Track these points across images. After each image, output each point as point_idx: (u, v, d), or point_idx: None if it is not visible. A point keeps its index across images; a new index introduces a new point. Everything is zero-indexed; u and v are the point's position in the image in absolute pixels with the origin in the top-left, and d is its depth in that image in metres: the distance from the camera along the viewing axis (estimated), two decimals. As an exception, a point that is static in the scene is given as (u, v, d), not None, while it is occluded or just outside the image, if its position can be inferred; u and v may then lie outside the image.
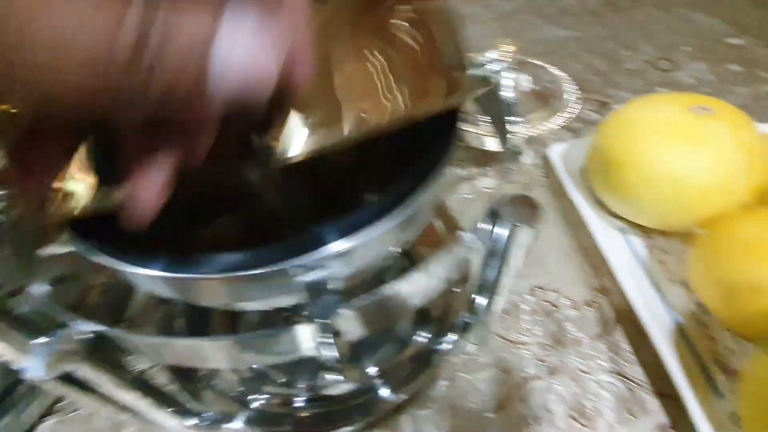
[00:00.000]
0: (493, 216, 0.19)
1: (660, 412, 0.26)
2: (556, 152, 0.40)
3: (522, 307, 0.31)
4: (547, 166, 0.42)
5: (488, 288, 0.25)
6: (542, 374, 0.28)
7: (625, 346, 0.29)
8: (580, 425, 0.25)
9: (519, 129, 0.37)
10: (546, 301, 0.32)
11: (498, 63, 0.24)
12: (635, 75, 0.54)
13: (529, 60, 0.44)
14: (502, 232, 0.20)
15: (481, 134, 0.40)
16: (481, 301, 0.26)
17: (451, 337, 0.26)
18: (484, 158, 0.44)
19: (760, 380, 0.21)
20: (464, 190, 0.41)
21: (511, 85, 0.23)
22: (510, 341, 0.30)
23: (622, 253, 0.33)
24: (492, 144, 0.41)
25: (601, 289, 0.32)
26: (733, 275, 0.25)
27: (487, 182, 0.42)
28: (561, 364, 0.28)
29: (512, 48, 0.38)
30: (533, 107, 0.37)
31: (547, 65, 0.43)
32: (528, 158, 0.42)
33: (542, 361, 0.28)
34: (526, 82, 0.38)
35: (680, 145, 0.29)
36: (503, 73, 0.24)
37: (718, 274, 0.26)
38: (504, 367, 0.28)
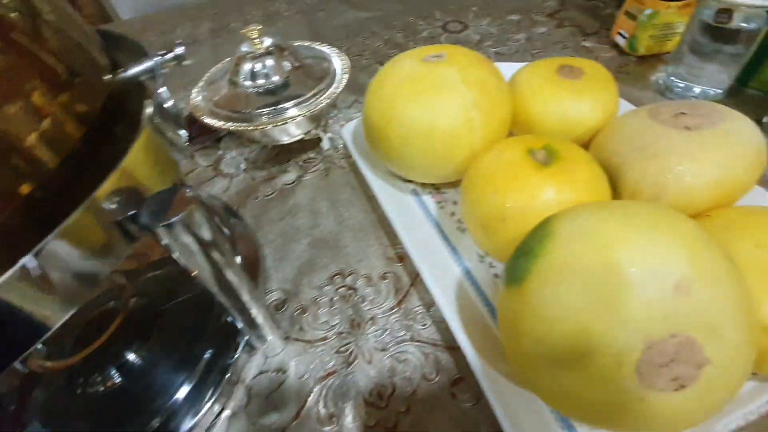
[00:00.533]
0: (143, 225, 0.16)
1: (453, 367, 0.25)
2: (348, 131, 0.39)
3: (321, 300, 0.29)
4: (345, 148, 0.40)
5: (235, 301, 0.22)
6: (338, 366, 0.26)
7: (419, 309, 0.28)
8: (377, 408, 0.24)
9: (294, 111, 0.36)
10: (344, 287, 0.30)
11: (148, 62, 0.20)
12: (430, 41, 0.56)
13: (299, 43, 0.42)
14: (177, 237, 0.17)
15: (276, 129, 0.37)
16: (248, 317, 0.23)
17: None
18: (286, 155, 0.41)
19: (503, 309, 0.21)
20: (265, 191, 0.38)
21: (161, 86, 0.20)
22: (307, 341, 0.27)
23: (414, 215, 0.33)
24: (291, 136, 0.38)
25: (397, 257, 0.31)
26: (483, 209, 0.26)
27: (287, 177, 0.39)
28: (357, 348, 0.26)
29: (256, 34, 0.36)
30: (304, 88, 0.35)
31: (315, 44, 0.41)
32: (326, 143, 0.41)
33: (340, 352, 0.26)
34: (288, 64, 0.36)
35: (416, 97, 0.28)
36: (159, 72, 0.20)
37: (475, 210, 0.26)
38: (300, 372, 0.26)
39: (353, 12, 0.66)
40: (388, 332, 0.27)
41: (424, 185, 0.35)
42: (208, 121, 0.35)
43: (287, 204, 0.36)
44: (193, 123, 0.39)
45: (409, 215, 0.33)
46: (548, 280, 0.18)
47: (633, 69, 0.46)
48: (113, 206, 0.15)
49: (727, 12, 0.34)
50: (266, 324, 0.25)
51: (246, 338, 0.26)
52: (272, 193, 0.38)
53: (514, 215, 0.24)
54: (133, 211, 0.16)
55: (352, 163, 0.39)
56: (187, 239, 0.17)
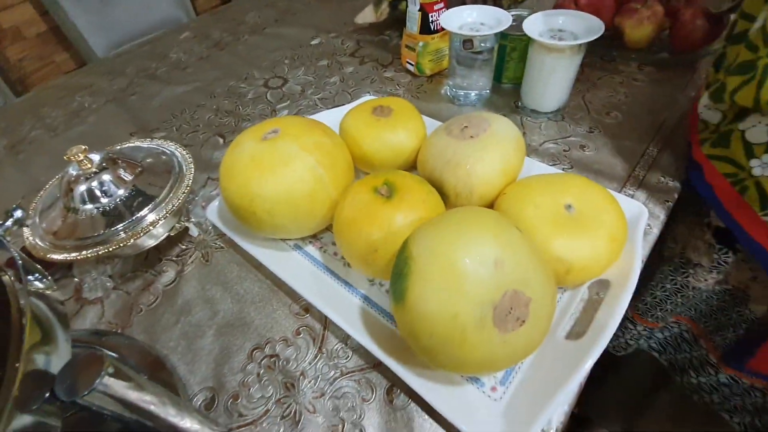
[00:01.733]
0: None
1: (383, 379, 0.30)
2: (212, 211, 0.40)
3: (249, 380, 0.31)
4: (216, 228, 0.42)
5: None
6: (288, 430, 0.28)
7: (339, 346, 0.32)
8: (335, 447, 0.27)
9: (153, 217, 0.36)
10: (266, 357, 0.32)
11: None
12: (258, 101, 0.60)
13: (126, 144, 0.41)
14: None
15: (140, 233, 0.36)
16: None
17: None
18: (156, 255, 0.40)
19: (399, 322, 0.26)
20: (147, 301, 0.37)
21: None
22: (252, 423, 0.29)
23: (303, 267, 0.36)
24: (157, 238, 0.38)
25: (303, 310, 0.35)
26: (357, 247, 0.31)
27: (166, 278, 0.38)
28: (299, 405, 0.29)
29: (82, 156, 0.35)
30: (154, 189, 0.36)
31: (144, 141, 0.42)
32: (194, 230, 0.41)
33: (285, 417, 0.29)
34: (127, 174, 0.36)
35: (270, 173, 0.32)
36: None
37: (351, 250, 0.32)
38: (256, 453, 0.27)
39: (168, 88, 0.65)
40: (319, 378, 0.30)
41: (303, 238, 0.39)
42: (57, 257, 0.33)
43: (177, 304, 0.36)
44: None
45: (299, 269, 0.36)
46: (420, 292, 0.24)
47: (427, 87, 0.58)
48: (27, 396, 0.16)
49: (469, 41, 0.46)
50: (205, 428, 0.26)
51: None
52: (156, 300, 0.37)
53: (382, 245, 0.30)
54: (47, 392, 0.17)
55: (228, 240, 0.40)
56: (112, 392, 0.18)
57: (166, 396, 0.23)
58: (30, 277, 0.20)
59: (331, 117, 0.45)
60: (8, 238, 0.20)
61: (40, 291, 0.20)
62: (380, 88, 0.59)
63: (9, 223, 0.21)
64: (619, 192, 0.40)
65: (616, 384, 0.62)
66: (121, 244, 0.34)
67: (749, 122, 0.33)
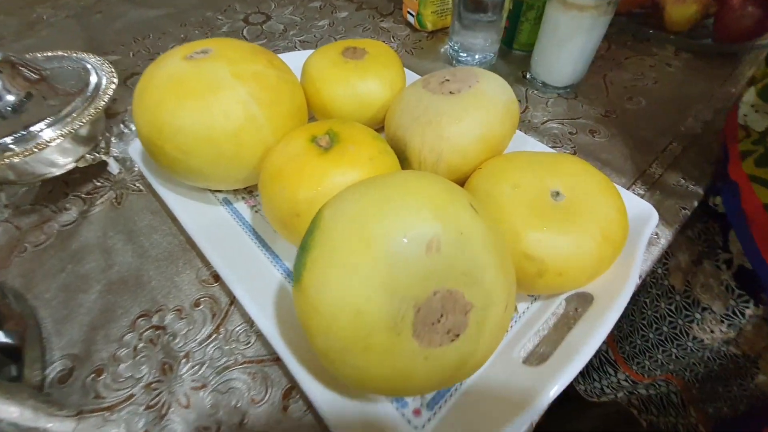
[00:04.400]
0: None
1: (283, 378, 0.23)
2: (136, 148, 0.33)
3: (122, 353, 0.25)
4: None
5: None
6: (149, 425, 0.22)
7: (242, 327, 0.25)
8: (202, 455, 0.21)
9: (50, 134, 0.29)
10: (150, 328, 0.26)
11: None
12: (231, 36, 0.52)
13: (48, 54, 0.34)
14: None
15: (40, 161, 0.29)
16: None
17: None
18: (62, 189, 0.34)
19: (297, 310, 0.19)
20: (36, 240, 0.30)
21: None
22: (107, 408, 0.22)
23: (226, 227, 0.30)
24: (59, 167, 0.31)
25: (213, 278, 0.28)
26: (278, 207, 0.24)
27: (66, 217, 0.32)
28: (171, 395, 0.23)
29: None
30: (57, 106, 0.29)
31: (74, 54, 0.35)
32: (114, 167, 0.35)
33: (150, 407, 0.22)
34: (25, 81, 0.29)
35: (185, 100, 0.25)
36: None
37: (272, 209, 0.25)
38: (103, 448, 0.21)
39: (138, 11, 0.57)
40: (206, 365, 0.24)
41: (235, 192, 0.33)
42: None
43: (69, 249, 0.30)
44: None
45: (220, 228, 0.30)
46: (318, 273, 0.17)
47: (425, 44, 0.50)
48: None
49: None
50: (39, 416, 0.20)
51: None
52: (47, 240, 0.30)
53: (306, 208, 0.23)
54: None
55: (149, 184, 0.33)
56: None
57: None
58: None
59: (297, 59, 0.37)
60: None
61: None
62: (372, 38, 0.51)
63: None
64: (627, 189, 0.32)
65: None
66: (6, 160, 0.27)
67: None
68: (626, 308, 0.23)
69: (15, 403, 0.19)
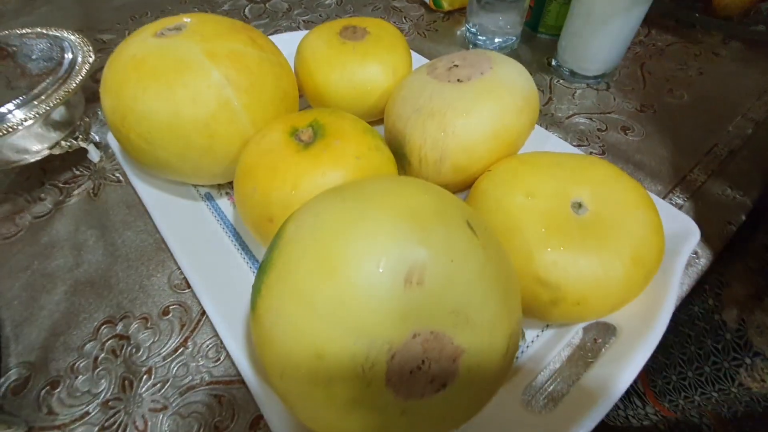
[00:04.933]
0: None
1: (251, 404, 0.21)
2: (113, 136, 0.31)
3: (80, 364, 0.22)
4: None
5: None
6: (101, 450, 0.19)
7: (212, 341, 0.23)
8: (153, 491, 0.18)
9: (20, 115, 0.27)
10: (114, 337, 0.23)
11: None
12: (231, 15, 0.49)
13: (23, 30, 0.32)
14: None
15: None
16: None
17: None
18: (39, 178, 0.32)
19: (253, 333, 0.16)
20: (6, 233, 0.28)
21: None
22: (56, 427, 0.20)
23: (203, 225, 0.27)
24: (31, 153, 0.29)
25: (186, 283, 0.25)
26: (249, 209, 0.21)
27: (40, 208, 0.30)
28: (128, 416, 0.20)
29: None
30: (25, 85, 0.27)
31: (51, 30, 0.32)
32: (94, 154, 0.32)
33: (105, 428, 0.20)
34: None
35: (149, 82, 0.22)
36: None
37: (244, 211, 0.22)
38: (47, 474, 0.19)
39: (138, -12, 0.55)
40: (169, 383, 0.21)
41: (219, 186, 0.30)
42: None
43: (38, 243, 0.28)
44: None
45: (198, 227, 0.27)
46: (274, 302, 0.14)
47: (441, 25, 0.45)
48: None
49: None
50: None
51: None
52: (17, 233, 0.28)
53: (280, 212, 0.20)
54: None
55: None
56: None
57: None
58: None
59: (295, 42, 0.34)
60: None
61: None
62: (383, 18, 0.47)
63: None
64: (663, 199, 0.28)
65: None
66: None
67: None
68: (664, 338, 0.19)
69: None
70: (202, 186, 0.29)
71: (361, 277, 0.13)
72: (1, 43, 0.28)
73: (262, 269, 0.15)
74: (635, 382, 0.37)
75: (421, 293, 0.13)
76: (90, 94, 0.36)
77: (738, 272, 0.29)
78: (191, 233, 0.26)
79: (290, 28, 0.46)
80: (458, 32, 0.44)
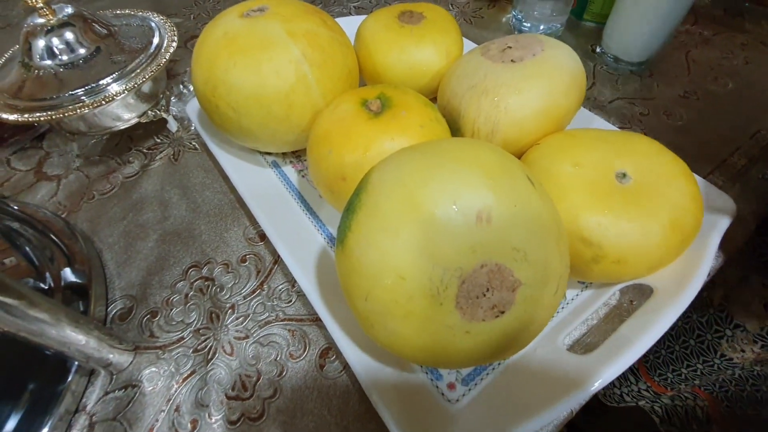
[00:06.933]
0: None
1: (321, 338, 0.24)
2: (193, 107, 0.35)
3: (174, 299, 0.26)
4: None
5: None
6: (197, 366, 0.23)
7: (284, 286, 0.26)
8: (240, 401, 0.22)
9: (116, 88, 0.31)
10: (200, 278, 0.27)
11: None
12: None
13: (116, 12, 0.36)
14: None
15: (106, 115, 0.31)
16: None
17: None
18: (127, 143, 0.36)
19: (339, 273, 0.19)
20: (102, 189, 0.33)
21: None
22: (160, 347, 0.24)
23: (273, 189, 0.30)
24: (124, 121, 0.33)
25: (259, 237, 0.29)
26: (324, 170, 0.24)
27: (129, 169, 0.34)
28: (217, 342, 0.24)
29: (41, 2, 0.30)
30: (123, 61, 0.30)
31: (137, 12, 0.36)
32: (173, 124, 0.36)
33: (198, 350, 0.24)
34: (95, 35, 0.30)
35: (238, 57, 0.25)
36: None
37: (318, 172, 0.25)
38: (154, 383, 0.23)
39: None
40: (249, 318, 0.25)
41: (284, 155, 0.33)
42: (4, 116, 0.29)
43: (130, 199, 0.32)
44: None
45: (268, 190, 0.30)
46: (362, 235, 0.17)
47: (486, 12, 0.47)
48: None
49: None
50: (102, 346, 0.22)
51: (77, 363, 0.22)
52: (112, 190, 0.33)
53: (352, 172, 0.23)
54: None
55: (204, 143, 0.35)
56: None
57: (62, 311, 0.19)
58: None
59: (351, 25, 0.37)
60: None
61: None
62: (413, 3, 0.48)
63: None
64: (704, 178, 0.29)
65: None
66: (78, 111, 0.29)
67: None
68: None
69: (82, 332, 0.21)
70: (270, 155, 0.33)
71: (440, 213, 0.15)
72: (105, 23, 0.32)
73: (349, 210, 0.18)
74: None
75: (489, 230, 0.15)
76: (167, 71, 0.40)
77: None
78: (264, 194, 0.29)
79: (341, 14, 0.49)
80: (503, 19, 0.46)
